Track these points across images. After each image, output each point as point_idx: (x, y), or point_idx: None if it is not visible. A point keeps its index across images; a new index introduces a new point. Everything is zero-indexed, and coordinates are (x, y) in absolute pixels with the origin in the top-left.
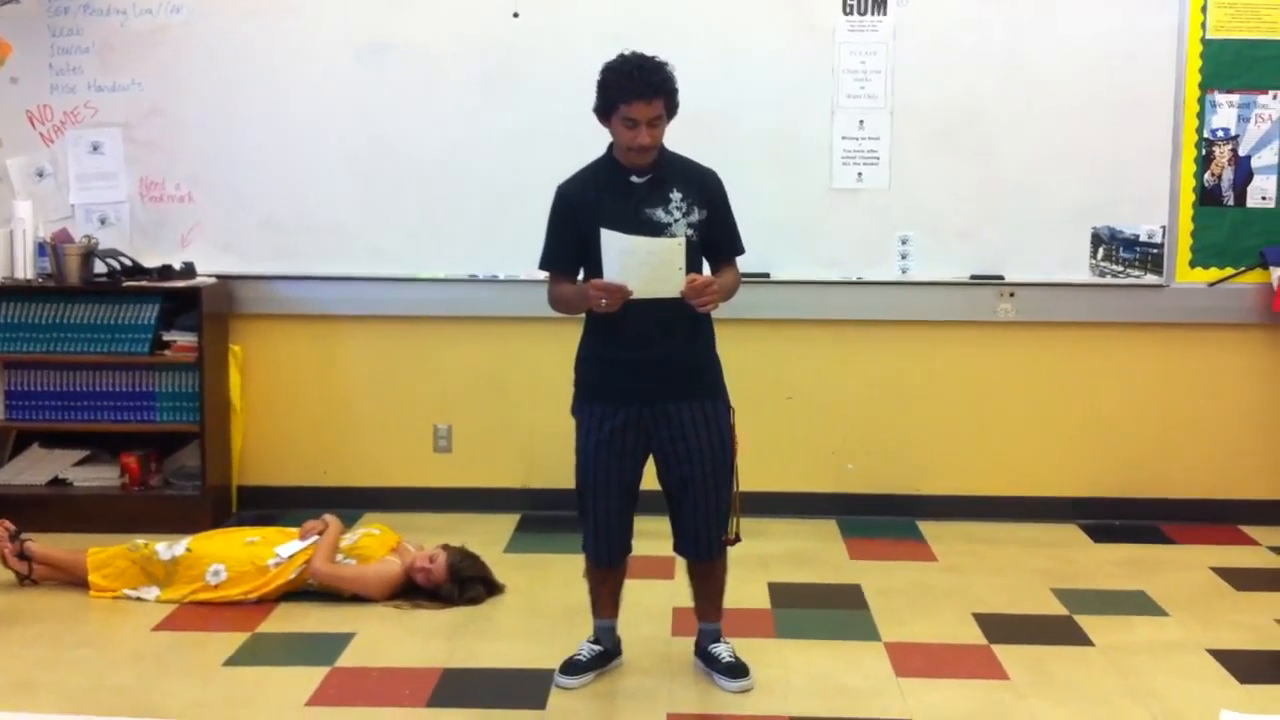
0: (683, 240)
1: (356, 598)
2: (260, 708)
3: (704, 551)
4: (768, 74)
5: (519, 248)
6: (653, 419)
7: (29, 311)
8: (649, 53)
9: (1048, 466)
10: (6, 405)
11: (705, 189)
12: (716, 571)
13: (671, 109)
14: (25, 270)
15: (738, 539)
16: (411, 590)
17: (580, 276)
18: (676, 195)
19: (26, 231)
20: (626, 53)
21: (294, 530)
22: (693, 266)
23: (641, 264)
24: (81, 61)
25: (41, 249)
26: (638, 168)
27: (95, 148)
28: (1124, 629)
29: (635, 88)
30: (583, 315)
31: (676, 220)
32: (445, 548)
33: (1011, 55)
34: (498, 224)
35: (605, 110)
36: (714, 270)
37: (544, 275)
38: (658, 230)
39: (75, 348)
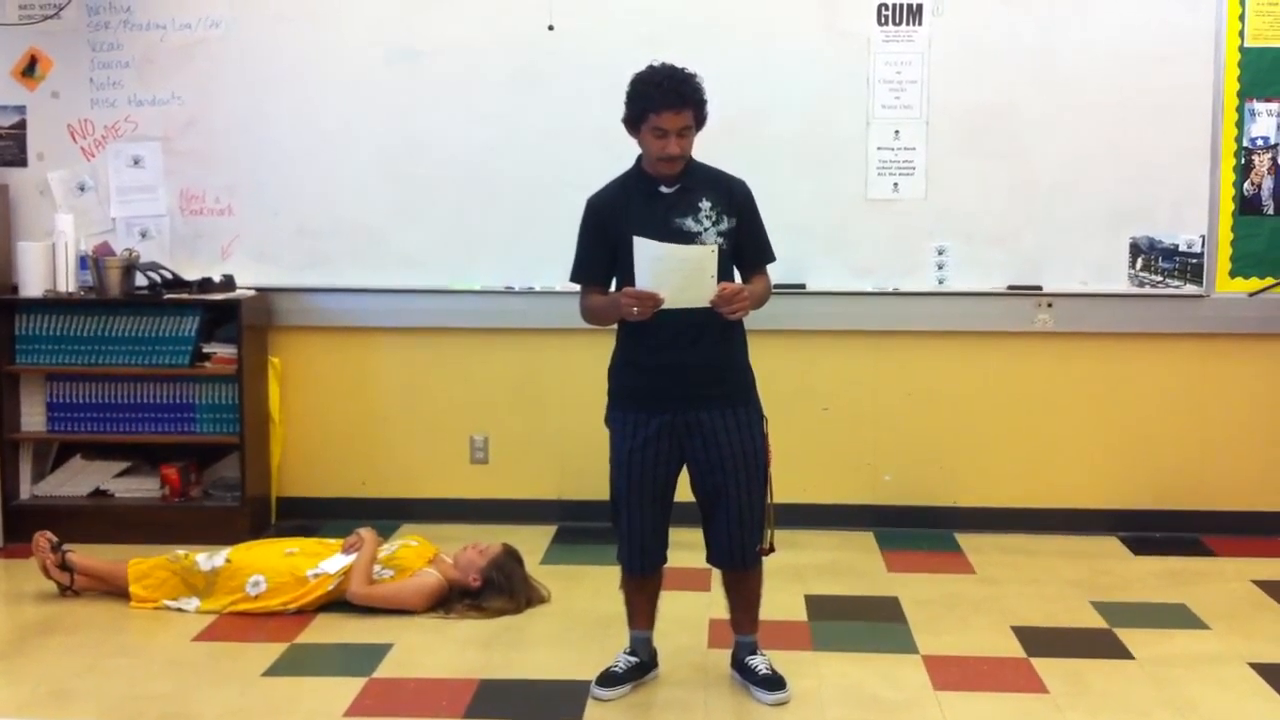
0: (715, 248)
1: (397, 610)
2: (298, 718)
3: (738, 561)
4: (801, 84)
5: (551, 253)
6: (685, 427)
7: (71, 324)
8: (681, 60)
9: (1086, 478)
10: (49, 417)
11: (734, 198)
12: (751, 583)
13: (700, 120)
14: (67, 283)
15: (772, 549)
16: (451, 600)
17: (613, 288)
18: (706, 204)
19: (68, 245)
20: (656, 63)
21: (332, 542)
22: (724, 275)
23: (673, 271)
24: (122, 76)
25: (83, 262)
26: (666, 178)
27: (135, 161)
28: (1164, 642)
29: (664, 98)
30: (616, 325)
31: (706, 229)
32: (504, 546)
33: (1046, 65)
34: (529, 229)
35: (634, 120)
36: (744, 279)
37: (576, 286)
38: (688, 239)
39: (116, 360)
